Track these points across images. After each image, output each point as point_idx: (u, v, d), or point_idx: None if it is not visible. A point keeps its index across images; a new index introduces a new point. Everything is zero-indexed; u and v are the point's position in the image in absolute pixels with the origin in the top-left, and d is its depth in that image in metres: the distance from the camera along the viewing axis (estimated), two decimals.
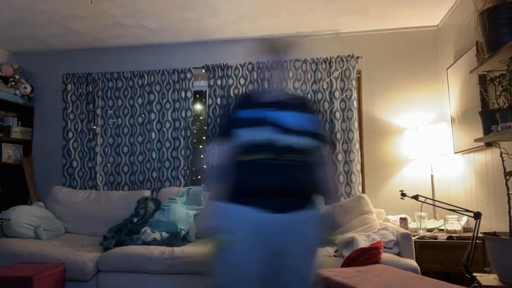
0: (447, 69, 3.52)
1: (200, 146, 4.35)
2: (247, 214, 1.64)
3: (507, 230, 2.19)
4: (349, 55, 3.83)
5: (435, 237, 2.97)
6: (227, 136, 1.78)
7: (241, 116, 1.77)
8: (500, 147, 2.32)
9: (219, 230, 1.65)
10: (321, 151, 1.84)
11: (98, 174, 4.13)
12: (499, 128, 2.19)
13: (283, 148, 1.69)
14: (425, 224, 3.19)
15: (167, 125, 4.10)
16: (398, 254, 2.80)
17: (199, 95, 4.38)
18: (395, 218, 3.37)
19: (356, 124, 3.77)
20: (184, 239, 3.33)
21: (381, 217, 3.47)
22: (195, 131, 4.20)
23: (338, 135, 3.78)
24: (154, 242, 3.19)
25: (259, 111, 1.77)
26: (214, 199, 1.71)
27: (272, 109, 1.77)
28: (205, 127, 4.08)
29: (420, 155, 3.55)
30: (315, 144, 1.78)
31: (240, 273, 1.63)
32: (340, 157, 3.76)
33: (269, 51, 1.96)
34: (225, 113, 1.89)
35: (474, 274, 2.28)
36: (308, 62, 3.92)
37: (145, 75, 4.18)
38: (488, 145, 2.75)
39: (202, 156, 4.26)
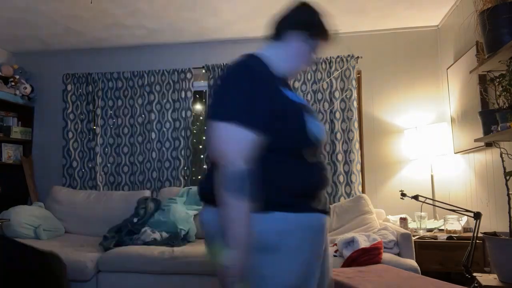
0: (447, 69, 3.52)
1: (200, 146, 4.35)
2: (322, 223, 1.31)
3: (507, 230, 2.19)
4: (349, 55, 3.84)
5: (435, 237, 2.97)
6: (261, 120, 1.18)
7: (292, 98, 1.28)
8: (500, 147, 2.32)
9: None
10: None
11: (98, 174, 4.13)
12: (499, 128, 2.19)
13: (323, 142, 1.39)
14: (425, 224, 3.19)
15: (167, 125, 4.10)
16: (398, 254, 2.80)
17: (199, 95, 4.38)
18: (395, 218, 3.38)
19: (356, 124, 3.77)
20: (184, 239, 3.33)
21: (381, 217, 3.47)
22: (195, 131, 4.21)
23: (338, 135, 3.78)
24: (154, 242, 3.19)
25: (295, 94, 1.34)
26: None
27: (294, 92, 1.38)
28: (205, 127, 4.08)
29: (420, 155, 3.55)
30: None
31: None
32: (340, 157, 3.76)
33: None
34: (257, 84, 1.22)
35: (474, 274, 2.28)
36: None
37: (145, 75, 4.18)
38: (488, 145, 2.75)
39: (202, 156, 4.26)
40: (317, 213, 1.27)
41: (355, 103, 3.80)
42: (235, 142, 1.14)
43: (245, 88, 1.20)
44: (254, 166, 1.17)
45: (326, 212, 1.32)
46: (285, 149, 1.24)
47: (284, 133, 1.23)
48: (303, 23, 1.35)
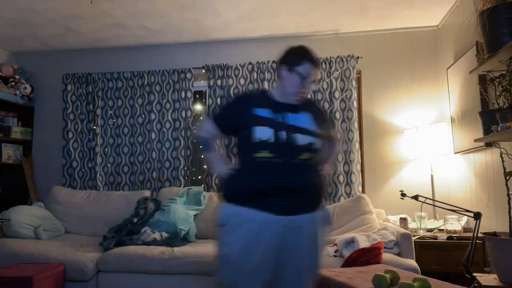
0: (447, 69, 3.52)
1: (201, 146, 4.35)
2: (251, 214, 1.68)
3: (507, 230, 2.19)
4: (349, 55, 3.83)
5: (435, 237, 2.97)
6: (222, 120, 1.92)
7: (258, 113, 1.78)
8: (500, 147, 2.32)
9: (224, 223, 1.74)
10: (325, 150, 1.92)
11: (98, 174, 4.13)
12: (499, 128, 2.19)
13: (296, 147, 1.74)
14: (425, 224, 3.19)
15: (167, 125, 4.10)
16: (398, 254, 2.80)
17: (199, 95, 4.38)
18: (395, 218, 3.38)
19: (356, 124, 3.77)
20: (184, 239, 3.33)
21: (381, 217, 3.47)
22: (195, 131, 4.20)
23: (338, 135, 3.78)
24: (154, 242, 3.19)
25: (276, 113, 1.79)
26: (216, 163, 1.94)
27: (288, 112, 1.80)
28: None
29: (420, 155, 3.55)
30: (321, 144, 1.84)
31: (244, 273, 1.67)
32: (340, 157, 3.76)
33: (308, 61, 1.81)
34: (234, 101, 1.98)
35: (474, 274, 2.28)
36: None
37: (145, 75, 4.18)
38: (488, 145, 2.75)
39: (202, 156, 4.26)
40: (253, 208, 1.68)
41: (355, 103, 3.80)
42: (203, 126, 2.01)
43: (225, 105, 2.03)
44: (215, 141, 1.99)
45: (273, 210, 1.67)
46: (241, 153, 1.83)
47: (241, 139, 1.82)
48: (283, 60, 1.85)
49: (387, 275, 1.84)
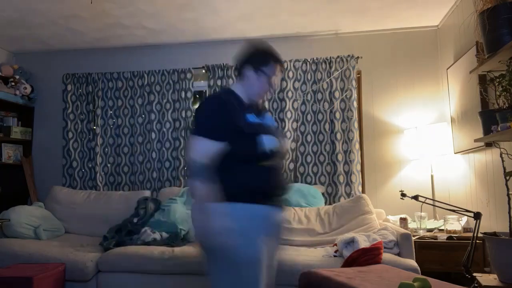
0: (447, 69, 3.52)
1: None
2: (268, 213, 1.76)
3: (507, 230, 2.19)
4: (349, 55, 3.83)
5: (435, 237, 2.97)
6: (222, 135, 1.67)
7: (249, 120, 1.75)
8: (500, 147, 2.32)
9: (241, 230, 1.65)
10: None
11: (98, 174, 4.13)
12: (499, 128, 2.19)
13: (279, 152, 1.85)
14: (425, 224, 3.19)
15: (167, 125, 4.10)
16: (398, 254, 2.80)
17: (199, 95, 4.38)
18: (395, 218, 3.38)
19: (356, 124, 3.77)
20: (184, 239, 3.33)
21: (381, 217, 3.47)
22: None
23: (338, 135, 3.78)
24: (154, 242, 3.19)
25: (256, 117, 1.81)
26: (215, 199, 1.65)
27: (260, 115, 1.85)
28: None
29: (420, 155, 3.55)
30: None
31: (260, 269, 1.68)
32: (340, 157, 3.76)
33: (274, 61, 1.83)
34: (222, 108, 1.71)
35: (474, 274, 2.28)
36: (308, 62, 3.92)
37: (145, 75, 4.18)
38: (488, 145, 2.75)
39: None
40: (260, 205, 1.70)
41: (355, 103, 3.80)
42: (198, 148, 1.67)
43: (212, 114, 1.71)
44: (215, 164, 1.67)
45: (275, 206, 1.78)
46: (241, 156, 1.70)
47: (241, 145, 1.68)
48: (247, 59, 1.79)
49: (416, 284, 1.62)
